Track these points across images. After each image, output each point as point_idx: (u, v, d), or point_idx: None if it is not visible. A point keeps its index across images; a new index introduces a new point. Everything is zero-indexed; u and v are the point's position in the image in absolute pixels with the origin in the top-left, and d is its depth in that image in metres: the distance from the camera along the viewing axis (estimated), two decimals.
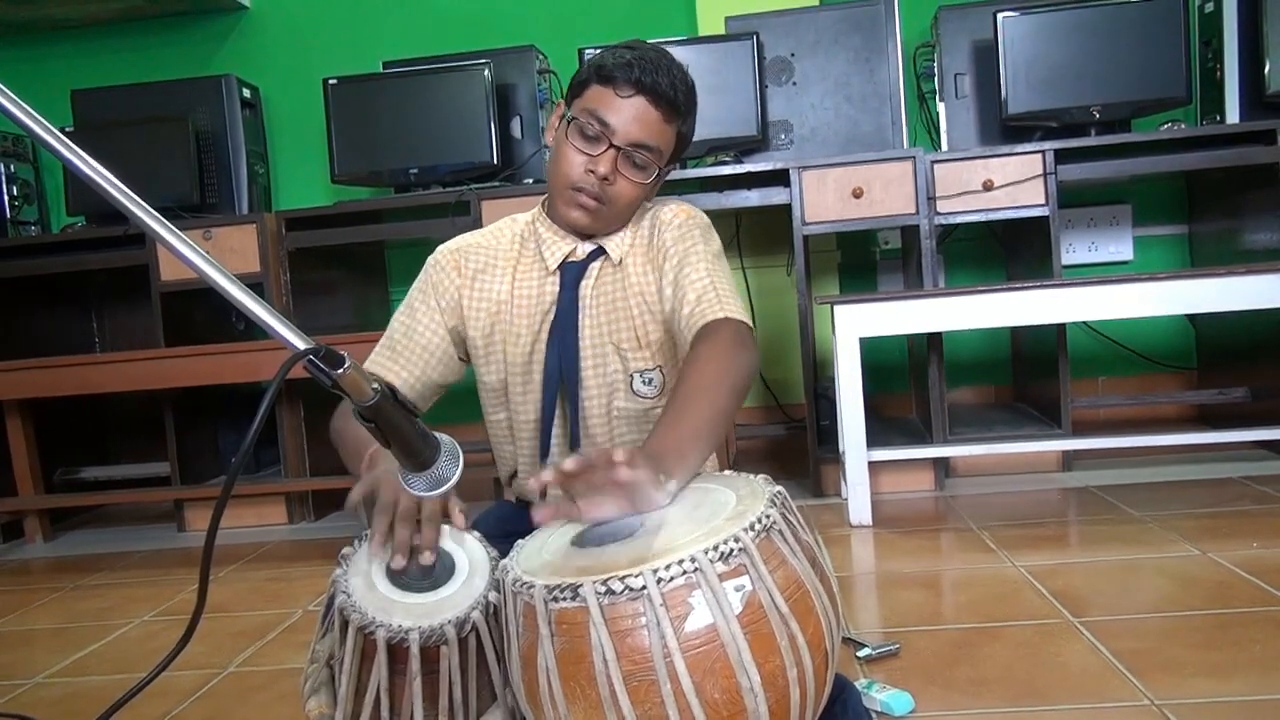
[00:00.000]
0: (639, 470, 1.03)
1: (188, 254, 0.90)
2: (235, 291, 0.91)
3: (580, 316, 1.45)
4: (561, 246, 1.47)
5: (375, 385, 0.95)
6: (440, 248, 1.53)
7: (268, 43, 3.61)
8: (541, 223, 1.50)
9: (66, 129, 3.14)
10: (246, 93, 3.29)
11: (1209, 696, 1.38)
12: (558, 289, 1.46)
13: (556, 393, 1.45)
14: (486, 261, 1.50)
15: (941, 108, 3.08)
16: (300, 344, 0.92)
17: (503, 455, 1.57)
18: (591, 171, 1.39)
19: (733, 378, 1.26)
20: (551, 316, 1.46)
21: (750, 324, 1.37)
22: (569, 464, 1.04)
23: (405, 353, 1.46)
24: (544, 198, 1.52)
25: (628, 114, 1.38)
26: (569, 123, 1.41)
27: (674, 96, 1.39)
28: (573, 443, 1.47)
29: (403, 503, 1.12)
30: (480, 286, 1.49)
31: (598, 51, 1.48)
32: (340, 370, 0.92)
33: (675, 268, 1.42)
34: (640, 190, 1.43)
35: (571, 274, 1.46)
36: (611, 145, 1.38)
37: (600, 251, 1.47)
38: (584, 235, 1.47)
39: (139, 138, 3.10)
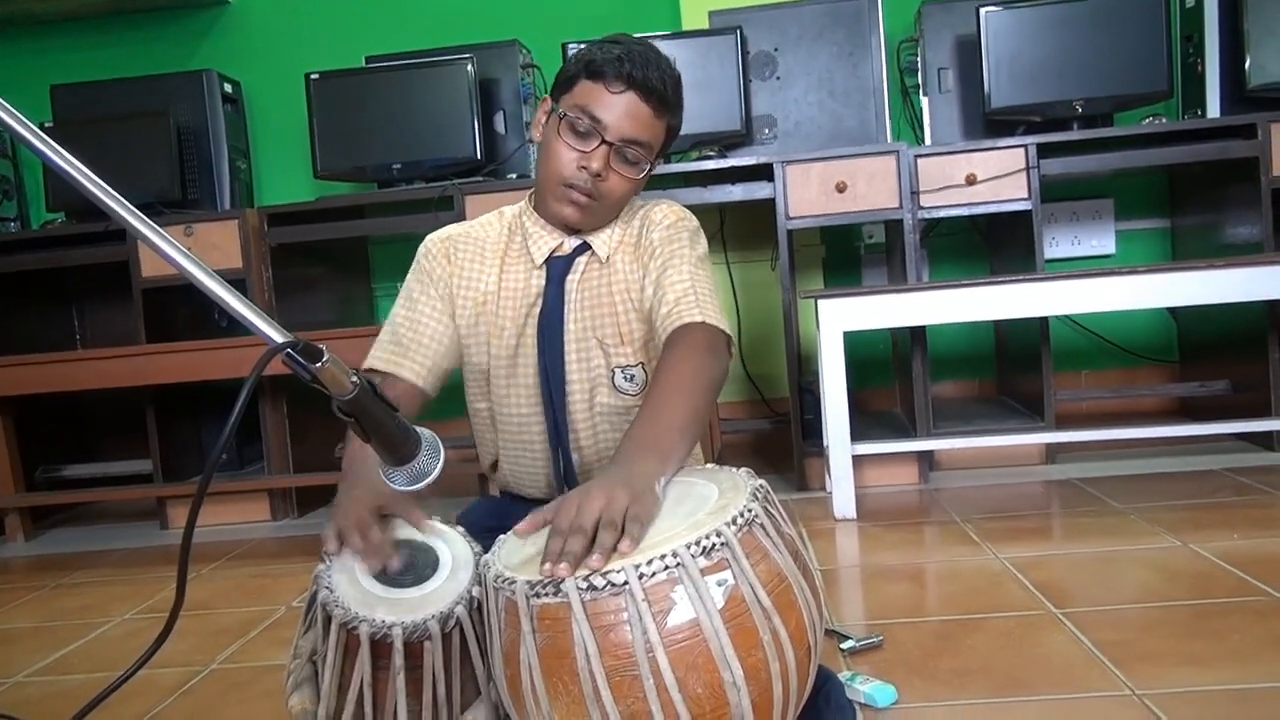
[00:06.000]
0: (631, 516, 1.00)
1: (165, 248, 0.90)
2: (212, 285, 0.90)
3: (565, 311, 1.45)
4: (548, 241, 1.47)
5: (354, 379, 0.95)
6: (430, 236, 1.53)
7: (249, 38, 3.58)
8: (528, 217, 1.50)
9: (46, 124, 3.12)
10: (228, 88, 3.27)
11: (1189, 686, 1.39)
12: (543, 283, 1.46)
13: (549, 387, 1.45)
14: (475, 252, 1.50)
15: (925, 102, 3.09)
16: (278, 338, 0.91)
17: (484, 443, 1.57)
18: (584, 168, 1.38)
19: (705, 381, 1.26)
20: (537, 311, 1.45)
21: (726, 332, 1.36)
22: (524, 527, 1.07)
23: (413, 346, 1.45)
24: (530, 192, 1.52)
25: (619, 109, 1.37)
26: (560, 119, 1.40)
27: (664, 91, 1.39)
28: (558, 438, 1.47)
29: (354, 514, 1.15)
30: (468, 277, 1.48)
31: (582, 47, 1.47)
32: (319, 364, 0.91)
33: (659, 267, 1.42)
34: (631, 185, 1.43)
35: (557, 269, 1.46)
36: (604, 141, 1.38)
37: (586, 247, 1.47)
38: (573, 231, 1.47)
39: (119, 133, 3.08)
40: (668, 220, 1.47)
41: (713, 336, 1.33)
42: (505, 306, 1.47)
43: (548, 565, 0.96)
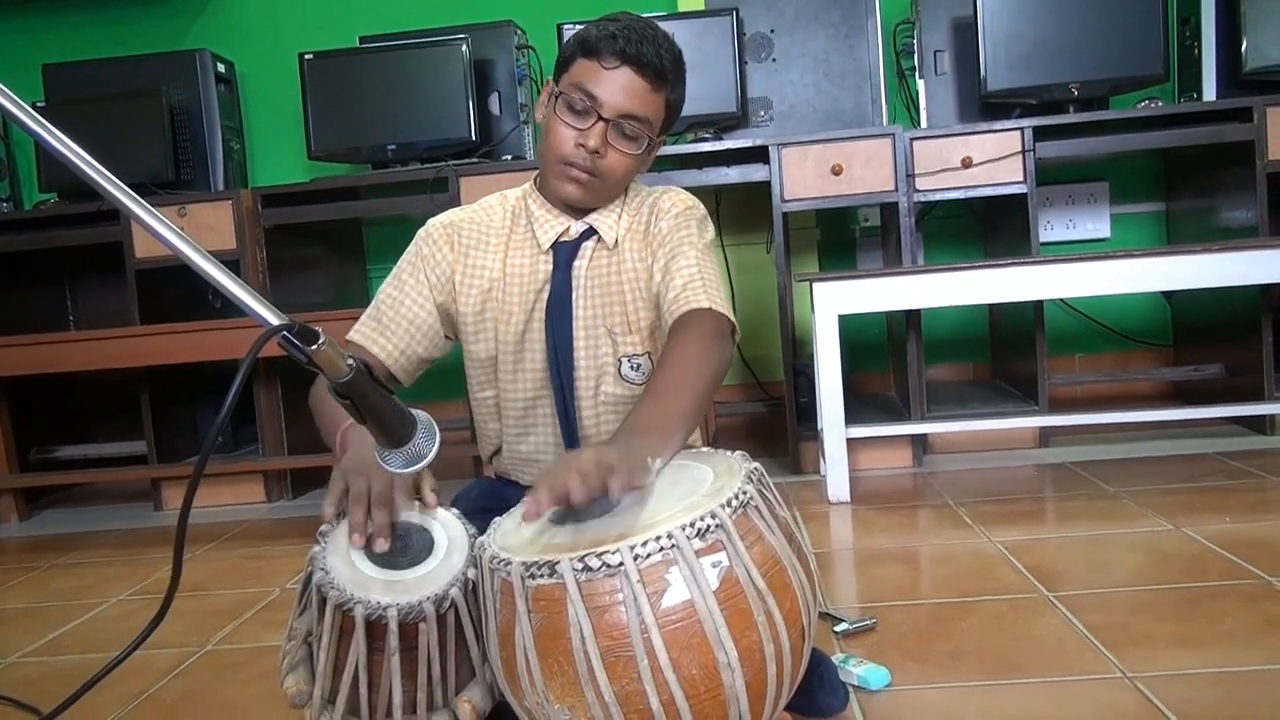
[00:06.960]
0: (617, 471, 1.02)
1: (159, 229, 0.89)
2: (208, 267, 0.90)
3: (574, 298, 1.45)
4: (554, 225, 1.46)
5: (350, 362, 0.94)
6: (432, 220, 1.51)
7: (243, 17, 3.56)
8: (533, 200, 1.49)
9: (38, 104, 3.09)
10: (221, 68, 3.25)
11: (1180, 669, 1.40)
12: (550, 268, 1.45)
13: (558, 374, 1.45)
14: (479, 237, 1.49)
15: (921, 85, 3.08)
16: (274, 320, 0.91)
17: (487, 432, 1.56)
18: (582, 145, 1.38)
19: (711, 367, 1.27)
20: (545, 296, 1.45)
21: (732, 320, 1.37)
22: (529, 511, 1.03)
23: (391, 325, 1.45)
24: (535, 174, 1.51)
25: (614, 85, 1.36)
26: (557, 98, 1.40)
27: (660, 64, 1.38)
28: (565, 425, 1.47)
29: (375, 488, 1.13)
30: (473, 262, 1.47)
31: (580, 26, 1.46)
32: (314, 346, 0.91)
33: (668, 254, 1.42)
34: (632, 161, 1.42)
35: (564, 254, 1.45)
36: (600, 118, 1.37)
37: (592, 231, 1.46)
38: (577, 211, 1.46)
39: (112, 113, 3.06)
40: (676, 208, 1.47)
41: (719, 323, 1.34)
42: (512, 292, 1.46)
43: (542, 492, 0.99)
